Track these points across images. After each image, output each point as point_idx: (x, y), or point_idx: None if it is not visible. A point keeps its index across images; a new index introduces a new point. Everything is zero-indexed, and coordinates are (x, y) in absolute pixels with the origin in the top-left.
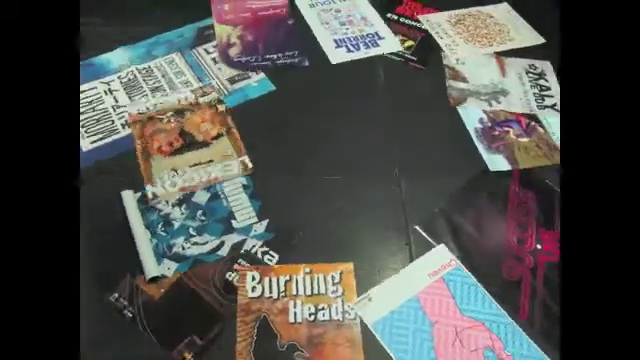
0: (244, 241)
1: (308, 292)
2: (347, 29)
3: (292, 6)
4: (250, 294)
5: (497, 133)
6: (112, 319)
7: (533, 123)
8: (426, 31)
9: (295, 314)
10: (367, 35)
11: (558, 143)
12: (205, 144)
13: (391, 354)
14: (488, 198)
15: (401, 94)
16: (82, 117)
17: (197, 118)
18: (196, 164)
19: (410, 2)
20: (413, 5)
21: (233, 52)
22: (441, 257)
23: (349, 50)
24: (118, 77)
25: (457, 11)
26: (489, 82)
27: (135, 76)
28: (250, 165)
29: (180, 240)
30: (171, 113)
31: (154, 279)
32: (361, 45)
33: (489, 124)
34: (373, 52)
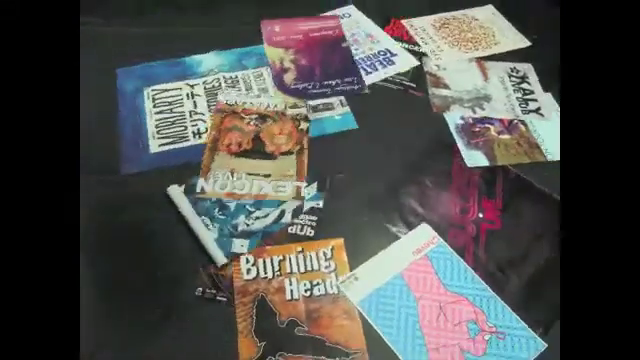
0: (302, 205)
1: (302, 269)
2: (356, 49)
3: None
4: (245, 276)
5: (478, 129)
6: (200, 311)
7: (516, 121)
8: (422, 53)
9: (291, 291)
10: (379, 53)
11: (539, 141)
12: (272, 157)
13: (378, 330)
14: (433, 173)
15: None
16: (158, 117)
17: (276, 129)
18: (254, 174)
19: (397, 21)
20: (400, 24)
21: (288, 78)
22: (424, 235)
23: (367, 72)
24: (203, 82)
25: (442, 14)
26: (472, 87)
27: (220, 84)
28: (303, 194)
29: (241, 219)
30: (255, 116)
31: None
32: (377, 65)
33: (470, 120)
34: (392, 71)
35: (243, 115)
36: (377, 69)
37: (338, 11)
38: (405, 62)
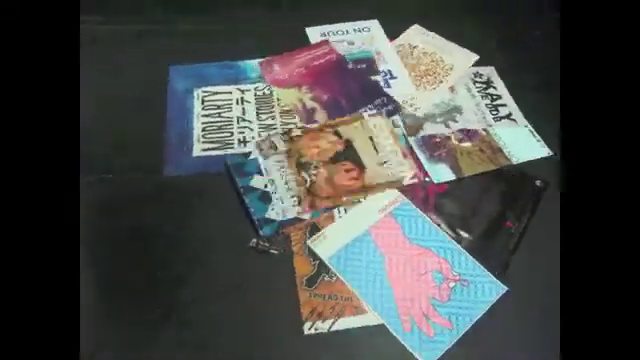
0: None
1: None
2: None
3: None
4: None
5: (438, 140)
6: (255, 261)
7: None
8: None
9: (340, 217)
10: (379, 73)
11: (501, 144)
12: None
13: (348, 285)
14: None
15: None
16: (205, 120)
17: (311, 144)
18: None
19: None
20: None
21: (321, 117)
22: (388, 195)
23: None
24: (255, 88)
25: None
26: (440, 101)
27: (271, 92)
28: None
29: None
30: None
31: None
32: None
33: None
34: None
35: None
36: None
37: (359, 24)
38: (402, 88)
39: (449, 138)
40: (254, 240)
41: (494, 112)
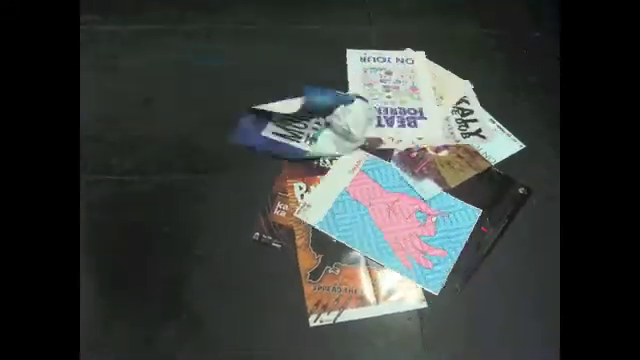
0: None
1: None
2: (388, 97)
3: None
4: (300, 200)
5: (415, 154)
6: (259, 255)
7: None
8: None
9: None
10: (408, 110)
11: (476, 147)
12: None
13: (343, 242)
14: None
15: None
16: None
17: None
18: None
19: None
20: None
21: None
22: (355, 156)
23: (379, 124)
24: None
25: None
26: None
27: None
28: None
29: None
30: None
31: None
32: (396, 121)
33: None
34: (408, 133)
35: None
36: (393, 124)
37: (404, 53)
38: (428, 130)
39: (425, 149)
40: (257, 233)
41: (463, 127)
